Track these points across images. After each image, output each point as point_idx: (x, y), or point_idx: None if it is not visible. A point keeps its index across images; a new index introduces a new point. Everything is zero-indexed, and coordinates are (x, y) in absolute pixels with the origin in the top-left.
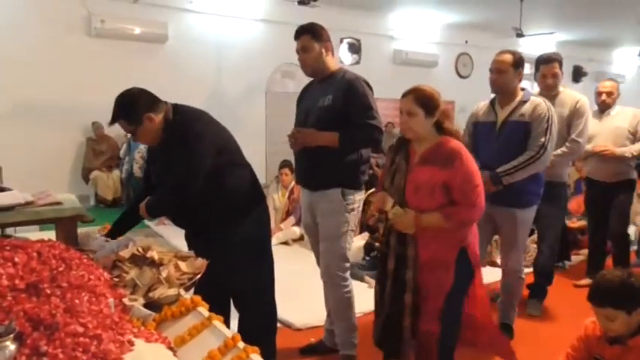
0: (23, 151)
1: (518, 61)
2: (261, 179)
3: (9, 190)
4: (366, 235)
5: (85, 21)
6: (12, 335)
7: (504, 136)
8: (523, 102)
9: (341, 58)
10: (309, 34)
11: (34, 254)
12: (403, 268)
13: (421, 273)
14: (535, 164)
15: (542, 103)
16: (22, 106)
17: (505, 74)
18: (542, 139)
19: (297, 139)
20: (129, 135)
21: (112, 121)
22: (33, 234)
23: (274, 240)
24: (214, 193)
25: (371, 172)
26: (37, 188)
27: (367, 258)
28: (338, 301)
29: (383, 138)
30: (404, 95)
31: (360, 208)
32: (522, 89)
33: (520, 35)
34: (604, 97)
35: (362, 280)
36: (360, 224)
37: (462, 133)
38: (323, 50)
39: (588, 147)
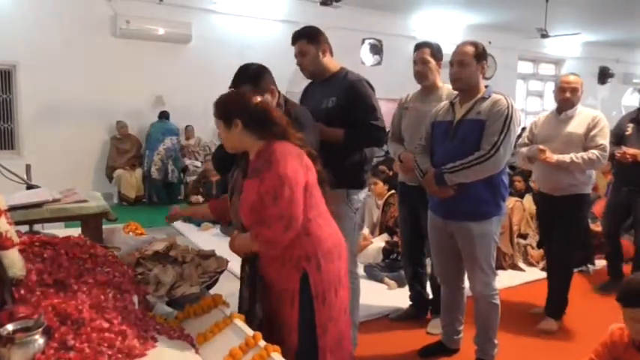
0: (50, 149)
1: (481, 53)
2: None
3: (37, 187)
4: (385, 237)
5: (110, 21)
6: (41, 329)
7: (459, 137)
8: (483, 99)
9: (362, 58)
10: (305, 39)
11: (62, 251)
12: (254, 301)
13: (271, 306)
14: (483, 165)
15: (503, 99)
16: (49, 106)
17: (468, 67)
18: (495, 138)
19: None
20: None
21: (234, 85)
22: (58, 230)
23: None
24: None
25: (391, 172)
26: (64, 186)
27: (387, 260)
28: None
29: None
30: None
31: (365, 203)
32: (486, 86)
33: (545, 36)
34: (568, 94)
35: (381, 281)
36: (380, 226)
37: (297, 135)
38: (320, 53)
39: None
